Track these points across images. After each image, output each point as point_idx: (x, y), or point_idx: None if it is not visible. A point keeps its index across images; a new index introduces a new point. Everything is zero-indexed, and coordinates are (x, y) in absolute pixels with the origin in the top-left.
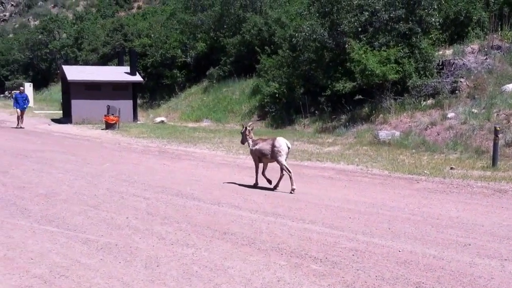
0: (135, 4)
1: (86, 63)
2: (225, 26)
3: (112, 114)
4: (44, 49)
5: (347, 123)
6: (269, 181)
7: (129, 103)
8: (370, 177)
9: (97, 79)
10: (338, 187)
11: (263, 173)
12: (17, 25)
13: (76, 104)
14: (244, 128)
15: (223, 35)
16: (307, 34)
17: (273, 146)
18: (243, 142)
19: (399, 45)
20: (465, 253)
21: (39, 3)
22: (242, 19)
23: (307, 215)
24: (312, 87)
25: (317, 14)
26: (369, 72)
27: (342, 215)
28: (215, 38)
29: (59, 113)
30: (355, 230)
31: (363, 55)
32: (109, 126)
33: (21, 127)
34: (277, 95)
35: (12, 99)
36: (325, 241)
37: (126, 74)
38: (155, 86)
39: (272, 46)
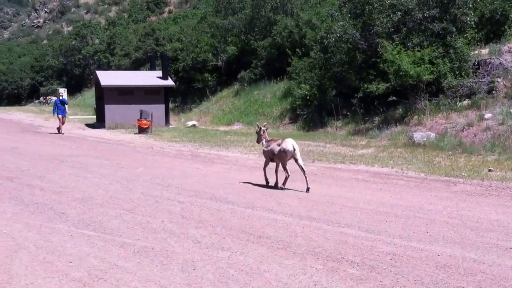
0: (166, 9)
1: (118, 68)
2: (255, 29)
3: (145, 119)
4: (77, 55)
5: (381, 125)
6: (267, 182)
7: (161, 107)
8: (406, 180)
9: (130, 84)
10: (373, 190)
11: (269, 169)
12: (50, 32)
13: (110, 109)
14: (259, 128)
15: (254, 38)
16: (338, 35)
17: (281, 147)
18: (258, 141)
19: (433, 45)
20: (506, 257)
21: (72, 10)
22: (272, 22)
23: (342, 219)
24: (344, 89)
25: (349, 15)
26: (403, 73)
27: (378, 218)
28: (246, 41)
29: (92, 118)
30: (392, 234)
31: (397, 56)
32: (142, 130)
33: (62, 133)
34: (308, 98)
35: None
36: (362, 245)
37: (158, 79)
38: (187, 90)
39: (303, 48)
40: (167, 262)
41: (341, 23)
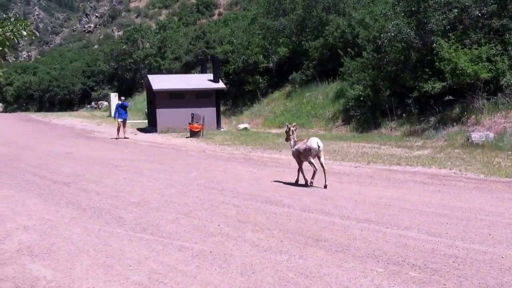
0: (216, 11)
1: (169, 71)
2: (307, 30)
3: (197, 122)
4: (128, 59)
5: (437, 125)
6: (306, 181)
7: (213, 110)
8: (465, 181)
9: (181, 88)
10: (431, 192)
11: (302, 168)
12: (101, 36)
13: (161, 113)
14: (288, 128)
15: (305, 38)
16: (392, 34)
17: (306, 145)
18: (286, 140)
19: (491, 42)
20: None
21: (122, 14)
22: (324, 22)
23: (401, 221)
24: (399, 89)
25: (403, 14)
26: (460, 72)
27: (438, 220)
28: (297, 42)
29: (144, 123)
30: (454, 236)
31: (453, 54)
32: (193, 134)
33: (120, 137)
34: (362, 98)
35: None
36: (423, 248)
37: (209, 82)
38: (237, 92)
39: (355, 48)
40: (225, 266)
41: (395, 21)
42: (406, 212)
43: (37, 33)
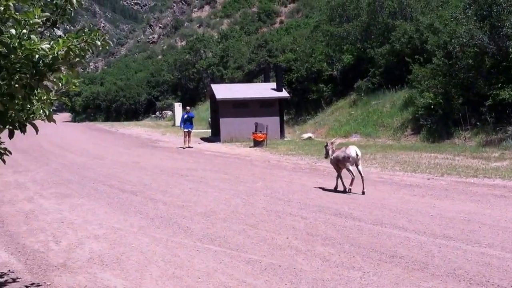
0: (278, 19)
1: (232, 81)
2: (372, 36)
3: (260, 131)
4: (191, 69)
5: None
6: (344, 188)
7: (276, 119)
8: None
9: (244, 97)
10: None
11: (340, 175)
12: (165, 47)
13: (225, 122)
14: (326, 144)
15: (371, 45)
16: (464, 39)
17: (344, 153)
18: (326, 157)
19: None
20: None
21: (185, 24)
22: (391, 28)
23: (483, 238)
24: (472, 97)
25: (475, 18)
26: None
27: None
28: (362, 49)
29: (207, 132)
30: None
31: None
32: (257, 143)
33: (188, 147)
34: (432, 107)
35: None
36: (508, 268)
37: (272, 90)
38: (301, 101)
39: (424, 54)
40: (296, 281)
41: (467, 26)
42: (487, 228)
43: (111, 43)
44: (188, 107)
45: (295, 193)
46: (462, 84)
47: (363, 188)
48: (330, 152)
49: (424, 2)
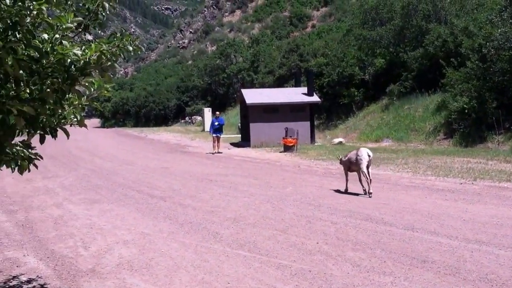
0: (309, 23)
1: (262, 85)
2: (405, 40)
3: (290, 136)
4: (221, 74)
5: None
6: (363, 187)
7: (307, 124)
8: None
9: (275, 102)
10: None
11: (360, 181)
12: (195, 52)
13: (255, 127)
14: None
15: (404, 49)
16: (499, 42)
17: (357, 155)
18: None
19: None
20: None
21: (215, 29)
22: (424, 31)
23: None
24: (506, 100)
25: (511, 20)
26: None
27: None
28: (395, 53)
29: (237, 137)
30: None
31: None
32: (287, 148)
33: (217, 153)
34: (466, 111)
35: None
36: None
37: (303, 95)
38: (332, 106)
39: (458, 58)
40: (326, 286)
41: (502, 29)
42: None
43: (142, 48)
44: (217, 112)
45: (325, 198)
46: (496, 87)
47: (370, 189)
48: (342, 157)
49: (459, 5)
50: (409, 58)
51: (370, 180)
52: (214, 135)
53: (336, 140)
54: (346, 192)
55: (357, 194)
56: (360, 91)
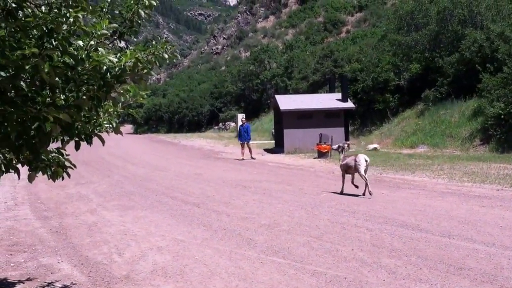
0: (344, 29)
1: (296, 91)
2: (441, 45)
3: (325, 143)
4: (255, 80)
5: None
6: (356, 186)
7: (341, 130)
8: None
9: (308, 108)
10: None
11: (352, 182)
12: (229, 58)
13: (289, 133)
14: (338, 148)
15: (439, 54)
16: None
17: (355, 161)
18: (337, 149)
19: None
20: None
21: (249, 35)
22: (460, 36)
23: None
24: None
25: None
26: None
27: None
28: (430, 58)
29: (270, 143)
30: None
31: None
32: (321, 154)
33: (244, 159)
34: (503, 117)
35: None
36: None
37: (337, 101)
38: (366, 112)
39: (495, 63)
40: None
41: None
42: None
43: (178, 55)
44: (243, 119)
45: (360, 204)
46: None
47: (364, 191)
48: (341, 157)
49: (495, 10)
50: (444, 63)
51: (367, 183)
52: (240, 141)
53: (371, 146)
54: (341, 193)
55: (357, 195)
56: (395, 97)
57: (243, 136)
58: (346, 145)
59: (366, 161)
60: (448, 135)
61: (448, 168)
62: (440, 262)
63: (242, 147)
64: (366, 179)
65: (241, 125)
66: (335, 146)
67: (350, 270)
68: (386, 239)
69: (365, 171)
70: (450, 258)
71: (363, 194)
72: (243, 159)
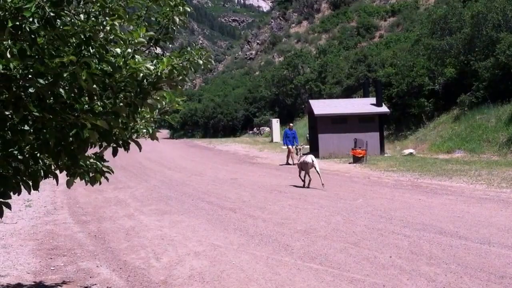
0: (377, 33)
1: (330, 96)
2: (476, 49)
3: (360, 147)
4: (289, 85)
5: None
6: (303, 181)
7: (376, 135)
8: None
9: (343, 112)
10: None
11: (300, 175)
12: (262, 63)
13: (323, 138)
14: (296, 150)
15: (474, 58)
16: None
17: (304, 160)
18: (296, 153)
19: None
20: None
21: (283, 40)
22: (495, 40)
23: None
24: None
25: None
26: None
27: None
28: (465, 62)
29: (305, 148)
30: None
31: None
32: (356, 159)
33: (293, 164)
34: None
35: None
36: None
37: (372, 106)
38: (401, 116)
39: None
40: None
41: None
42: None
43: (213, 62)
44: (291, 124)
45: (397, 210)
46: None
47: (321, 181)
48: (299, 156)
49: None
50: (480, 67)
51: (310, 179)
52: (288, 145)
53: (406, 151)
54: (304, 187)
55: (314, 188)
56: (430, 101)
57: (291, 141)
58: (301, 148)
59: (312, 160)
60: (485, 140)
61: (486, 174)
62: (481, 270)
63: (290, 151)
64: (319, 174)
65: (288, 129)
66: (295, 149)
67: (388, 277)
68: (424, 246)
69: (315, 168)
70: (491, 266)
71: (304, 186)
72: (294, 163)
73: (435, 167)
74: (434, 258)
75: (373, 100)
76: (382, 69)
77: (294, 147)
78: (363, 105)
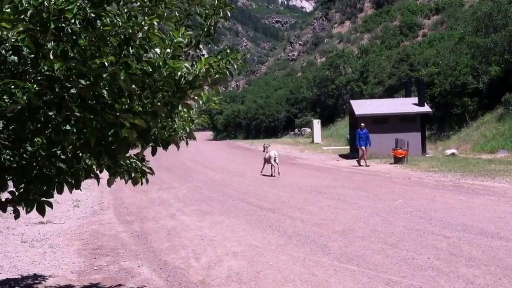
0: (420, 32)
1: (371, 96)
2: None
3: (401, 148)
4: (330, 85)
5: None
6: (262, 171)
7: (417, 135)
8: None
9: (384, 112)
10: None
11: (262, 170)
12: (304, 63)
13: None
14: (263, 147)
15: None
16: None
17: (269, 155)
18: (264, 151)
19: None
20: None
21: (325, 40)
22: None
23: None
24: None
25: None
26: None
27: None
28: (510, 60)
29: (346, 149)
30: None
31: None
32: (397, 160)
33: (366, 166)
34: None
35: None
36: None
37: (414, 105)
38: (443, 116)
39: None
40: None
41: None
42: None
43: (246, 64)
44: (362, 124)
45: (437, 211)
46: None
47: (278, 170)
48: (265, 152)
49: None
50: None
51: (275, 169)
52: (361, 146)
53: (449, 152)
54: (272, 175)
55: (273, 176)
56: (474, 101)
57: (364, 141)
58: (267, 146)
59: (275, 155)
60: None
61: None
62: None
63: (363, 152)
64: (275, 166)
65: (360, 130)
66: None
67: (426, 279)
68: (464, 247)
69: (276, 160)
70: None
71: (272, 175)
72: (367, 165)
73: (477, 167)
74: (474, 259)
75: (415, 100)
76: (425, 68)
77: (363, 147)
78: (404, 105)
